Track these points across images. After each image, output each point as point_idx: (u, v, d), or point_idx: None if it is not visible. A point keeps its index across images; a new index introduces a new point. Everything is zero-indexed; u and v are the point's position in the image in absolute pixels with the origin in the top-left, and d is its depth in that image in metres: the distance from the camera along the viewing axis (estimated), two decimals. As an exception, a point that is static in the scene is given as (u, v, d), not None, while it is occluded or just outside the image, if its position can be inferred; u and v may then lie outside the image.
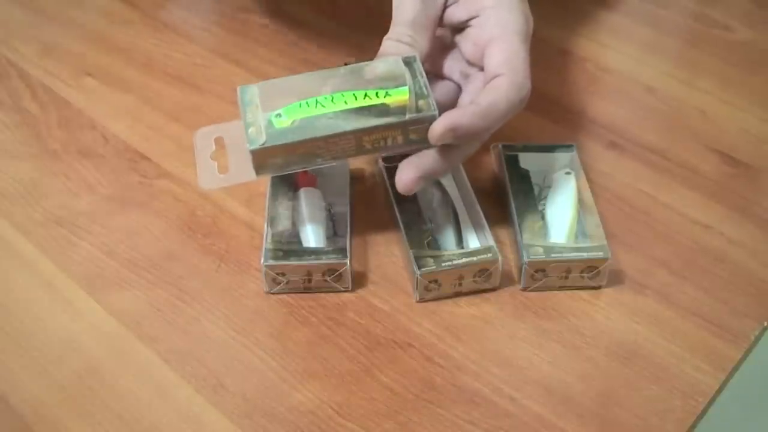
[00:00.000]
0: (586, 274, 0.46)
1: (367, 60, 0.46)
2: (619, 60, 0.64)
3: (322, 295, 0.47)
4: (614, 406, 0.42)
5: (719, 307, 0.47)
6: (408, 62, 0.45)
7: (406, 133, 0.44)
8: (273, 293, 0.47)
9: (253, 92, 0.45)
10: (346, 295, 0.47)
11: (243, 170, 0.44)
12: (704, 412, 0.42)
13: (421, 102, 0.44)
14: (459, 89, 0.49)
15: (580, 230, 0.48)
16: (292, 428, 0.41)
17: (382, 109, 0.43)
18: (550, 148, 0.53)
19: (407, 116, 0.43)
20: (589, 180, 0.51)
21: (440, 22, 0.48)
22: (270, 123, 0.43)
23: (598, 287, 0.47)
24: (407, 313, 0.46)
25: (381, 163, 0.52)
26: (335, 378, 0.43)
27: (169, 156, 0.55)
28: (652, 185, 0.54)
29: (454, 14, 0.48)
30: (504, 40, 0.45)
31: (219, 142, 0.46)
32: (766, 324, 0.46)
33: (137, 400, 0.42)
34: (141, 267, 0.48)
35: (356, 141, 0.44)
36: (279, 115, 0.43)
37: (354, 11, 0.68)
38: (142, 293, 0.47)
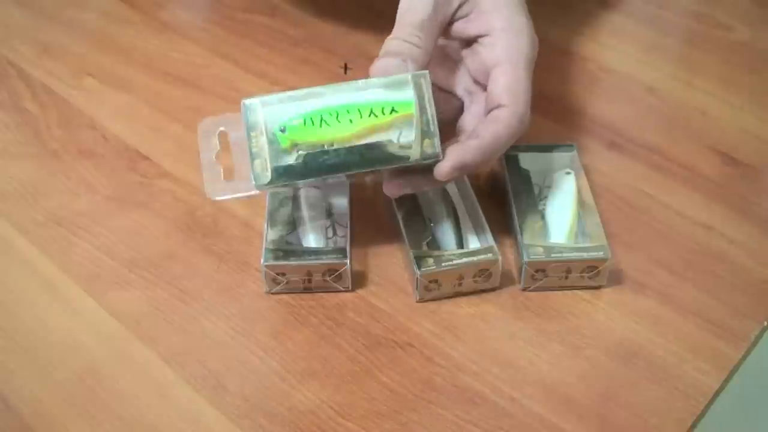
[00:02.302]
0: (586, 274, 0.46)
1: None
2: (620, 60, 0.64)
3: (322, 295, 0.47)
4: (614, 406, 0.42)
5: (719, 307, 0.47)
6: (417, 81, 0.44)
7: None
8: (273, 293, 0.47)
9: (256, 110, 0.43)
10: (346, 295, 0.47)
11: (248, 179, 0.43)
12: (704, 412, 0.42)
13: (426, 142, 0.43)
14: (461, 104, 0.49)
15: (580, 230, 0.48)
16: (292, 428, 0.41)
17: (387, 148, 0.43)
18: (550, 148, 0.53)
19: (411, 159, 0.43)
20: (589, 180, 0.51)
21: (447, 34, 0.48)
22: (275, 150, 0.43)
23: (599, 287, 0.47)
24: (407, 313, 0.46)
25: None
26: (335, 378, 0.43)
27: (169, 156, 0.55)
28: (652, 185, 0.54)
29: (465, 29, 0.48)
30: (509, 66, 0.45)
31: (223, 137, 0.45)
32: (766, 324, 0.46)
33: (137, 400, 0.42)
34: (141, 267, 0.48)
35: (360, 176, 0.45)
36: (283, 130, 0.42)
37: (354, 11, 0.68)
38: (142, 293, 0.47)
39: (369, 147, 0.43)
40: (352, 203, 0.50)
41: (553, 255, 0.46)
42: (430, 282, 0.46)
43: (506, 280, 0.47)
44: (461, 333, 0.45)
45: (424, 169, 0.44)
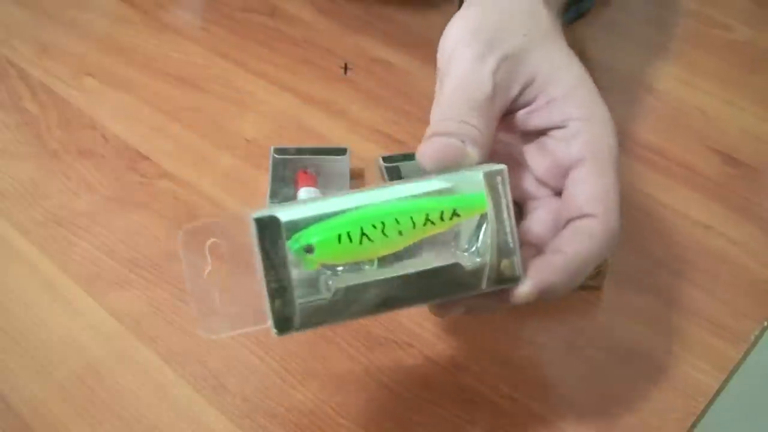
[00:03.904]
0: (586, 274, 0.46)
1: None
2: (619, 59, 0.64)
3: (322, 295, 0.47)
4: (614, 406, 0.42)
5: (719, 307, 0.47)
6: (491, 178, 0.33)
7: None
8: (273, 293, 0.47)
9: (271, 226, 0.31)
10: (346, 295, 0.47)
11: (254, 309, 0.32)
12: (704, 412, 0.42)
13: (504, 264, 0.33)
14: (517, 209, 0.39)
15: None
16: (292, 428, 0.41)
17: (452, 272, 0.33)
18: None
19: (485, 287, 0.33)
20: (589, 180, 0.51)
21: (505, 125, 0.38)
22: (301, 281, 0.32)
23: (599, 287, 0.47)
24: (407, 313, 0.46)
25: (381, 163, 0.52)
26: (335, 378, 0.43)
27: (169, 156, 0.55)
28: (652, 185, 0.54)
29: (529, 120, 0.38)
30: (597, 166, 0.36)
31: (215, 248, 0.34)
32: (766, 324, 0.46)
33: (137, 400, 0.42)
34: (141, 267, 0.48)
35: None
36: (309, 250, 0.31)
37: (354, 11, 0.68)
38: (142, 293, 0.47)
39: (426, 274, 0.33)
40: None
41: (553, 255, 0.45)
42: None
43: (506, 280, 0.47)
44: (461, 333, 0.45)
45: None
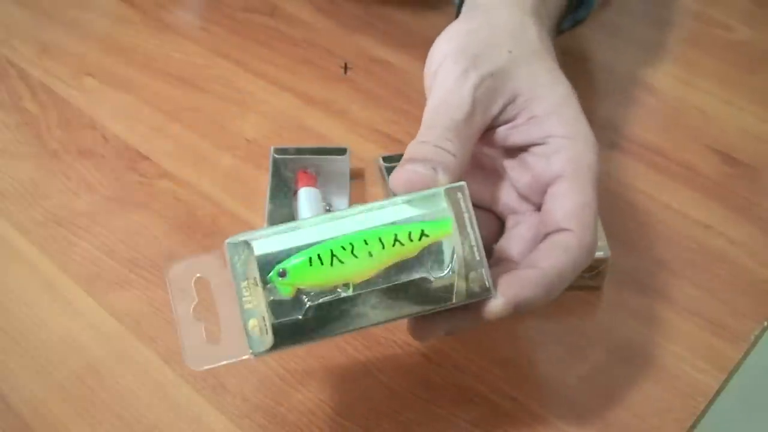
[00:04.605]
0: (586, 274, 0.46)
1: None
2: (619, 60, 0.64)
3: (322, 295, 0.47)
4: (614, 406, 0.42)
5: (719, 307, 0.47)
6: (452, 196, 0.34)
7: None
8: (273, 293, 0.47)
9: (244, 251, 0.33)
10: (346, 295, 0.47)
11: (238, 340, 0.33)
12: (704, 412, 0.42)
13: (472, 276, 0.34)
14: (499, 222, 0.41)
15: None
16: (292, 428, 0.41)
17: (420, 288, 0.34)
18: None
19: (455, 301, 0.34)
20: (589, 180, 0.51)
21: (486, 141, 0.39)
22: (275, 304, 0.33)
23: (599, 287, 0.47)
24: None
25: (381, 163, 0.52)
26: (335, 378, 0.43)
27: (169, 156, 0.55)
28: (652, 185, 0.54)
29: (509, 137, 0.39)
30: (576, 183, 0.37)
31: (201, 284, 0.35)
32: (766, 324, 0.46)
33: (137, 400, 0.42)
34: (141, 267, 0.48)
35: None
36: (282, 274, 0.33)
37: (354, 11, 0.68)
38: (142, 293, 0.47)
39: (397, 289, 0.33)
40: (352, 203, 0.50)
41: (553, 255, 0.45)
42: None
43: (506, 280, 0.47)
44: (461, 333, 0.45)
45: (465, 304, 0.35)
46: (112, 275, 0.48)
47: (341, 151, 0.52)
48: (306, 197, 0.50)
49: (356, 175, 0.53)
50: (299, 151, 0.52)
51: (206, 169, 0.54)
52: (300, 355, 0.44)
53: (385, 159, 0.52)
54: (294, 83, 0.61)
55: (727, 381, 0.43)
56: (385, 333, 0.45)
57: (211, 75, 0.62)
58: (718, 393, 0.43)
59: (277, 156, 0.52)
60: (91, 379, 0.43)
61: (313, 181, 0.51)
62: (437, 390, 0.43)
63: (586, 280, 0.47)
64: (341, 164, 0.52)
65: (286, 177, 0.51)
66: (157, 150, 0.56)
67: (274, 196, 0.50)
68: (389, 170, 0.52)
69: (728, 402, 0.43)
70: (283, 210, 0.49)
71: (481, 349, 0.44)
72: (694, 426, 0.42)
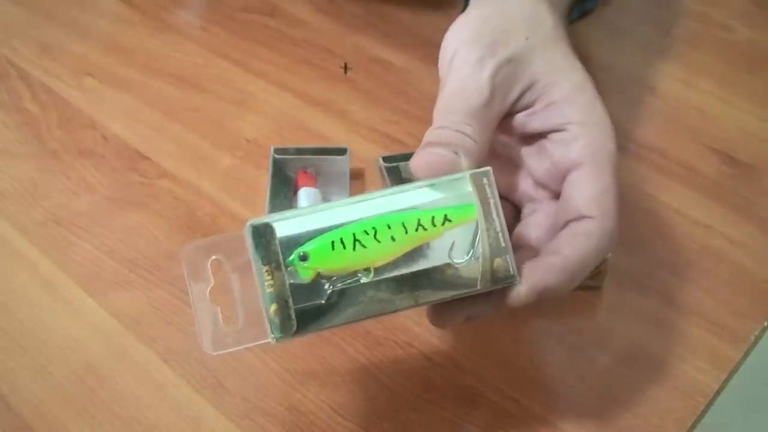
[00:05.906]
0: (586, 274, 0.46)
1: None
2: (619, 60, 0.64)
3: (322, 295, 0.47)
4: (614, 407, 0.42)
5: (719, 307, 0.47)
6: (477, 180, 0.33)
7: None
8: (273, 293, 0.47)
9: (266, 234, 0.32)
10: (346, 295, 0.47)
11: (257, 324, 0.33)
12: (704, 412, 0.42)
13: (497, 262, 0.33)
14: (515, 210, 0.41)
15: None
16: (292, 428, 0.41)
17: (444, 274, 0.33)
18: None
19: (479, 287, 0.34)
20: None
21: (504, 128, 0.39)
22: (297, 288, 0.32)
23: (599, 287, 0.47)
24: (407, 313, 0.46)
25: (381, 163, 0.52)
26: (335, 378, 0.43)
27: (169, 156, 0.55)
28: (652, 185, 0.54)
29: (529, 123, 0.38)
30: (595, 169, 0.36)
31: (217, 266, 0.34)
32: (766, 324, 0.46)
33: (137, 400, 0.42)
34: (141, 267, 0.48)
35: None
36: (304, 257, 0.32)
37: (354, 11, 0.68)
38: (142, 293, 0.47)
39: (419, 275, 0.33)
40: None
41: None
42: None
43: (506, 280, 0.47)
44: (461, 333, 0.45)
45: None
46: (112, 275, 0.48)
47: (341, 151, 0.52)
48: (306, 197, 0.50)
49: (356, 175, 0.53)
50: (299, 151, 0.52)
51: (206, 169, 0.54)
52: (300, 355, 0.44)
53: (385, 159, 0.52)
54: (294, 83, 0.61)
55: (727, 381, 0.43)
56: (386, 333, 0.45)
57: (211, 75, 0.62)
58: (718, 393, 0.43)
59: (277, 156, 0.52)
60: (91, 379, 0.43)
61: (313, 181, 0.51)
62: (438, 391, 0.43)
63: (587, 280, 0.46)
64: (341, 164, 0.52)
65: (286, 177, 0.51)
66: (157, 150, 0.56)
67: (274, 196, 0.50)
68: (389, 170, 0.52)
69: (728, 402, 0.43)
70: (282, 210, 0.49)
71: (481, 349, 0.45)
72: (694, 426, 0.42)
